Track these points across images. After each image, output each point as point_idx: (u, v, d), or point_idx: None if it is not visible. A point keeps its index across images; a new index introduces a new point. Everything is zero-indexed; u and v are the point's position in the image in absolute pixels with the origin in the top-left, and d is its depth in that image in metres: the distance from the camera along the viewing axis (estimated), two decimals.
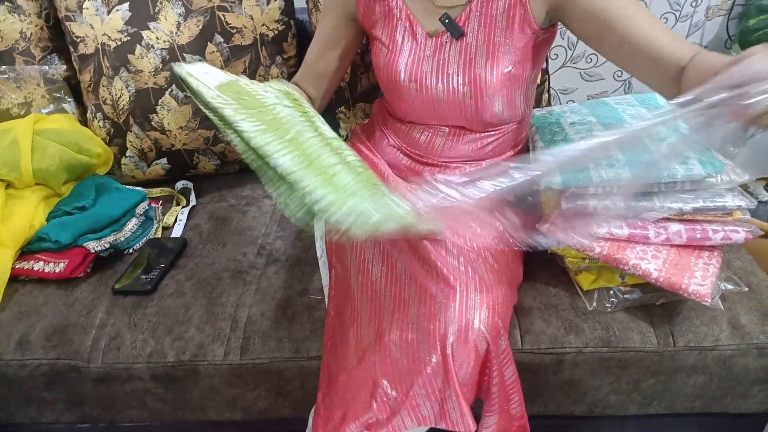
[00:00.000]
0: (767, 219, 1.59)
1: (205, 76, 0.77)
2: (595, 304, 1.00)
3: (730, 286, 0.97)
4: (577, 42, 1.68)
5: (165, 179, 1.47)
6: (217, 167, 1.47)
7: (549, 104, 1.51)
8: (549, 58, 1.69)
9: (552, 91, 1.78)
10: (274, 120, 0.80)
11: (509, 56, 0.96)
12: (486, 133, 1.05)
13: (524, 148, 1.14)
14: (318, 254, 1.10)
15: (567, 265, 1.04)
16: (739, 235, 0.93)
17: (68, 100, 1.41)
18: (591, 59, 1.72)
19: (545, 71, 1.41)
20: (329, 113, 1.43)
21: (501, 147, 1.08)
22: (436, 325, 0.84)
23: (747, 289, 0.98)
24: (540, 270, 1.08)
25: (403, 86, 1.01)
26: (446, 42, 0.98)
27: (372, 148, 1.15)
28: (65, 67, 1.41)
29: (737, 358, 0.96)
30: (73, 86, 1.44)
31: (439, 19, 0.97)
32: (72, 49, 1.36)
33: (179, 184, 1.45)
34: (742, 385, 1.00)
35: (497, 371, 0.87)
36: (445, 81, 0.98)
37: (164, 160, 1.43)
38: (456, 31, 0.97)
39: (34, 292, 1.16)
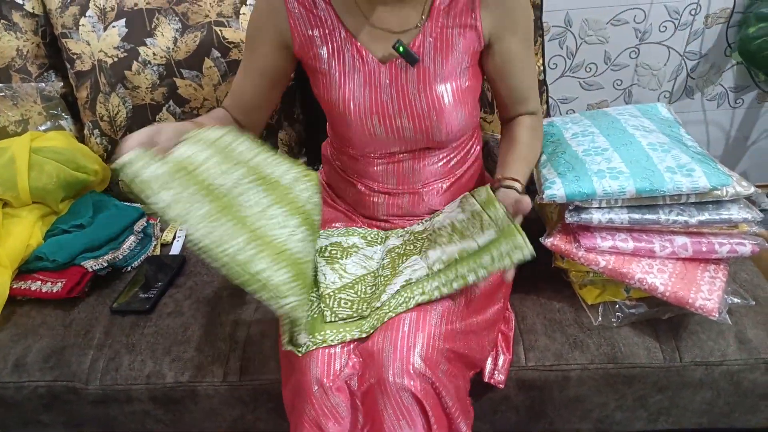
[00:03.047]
0: None
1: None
2: (600, 318, 0.99)
3: (737, 300, 0.95)
4: (576, 51, 1.67)
5: None
6: None
7: (548, 115, 1.50)
8: (548, 68, 1.68)
9: (551, 101, 1.77)
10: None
11: (465, 72, 0.95)
12: (449, 148, 1.02)
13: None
14: None
15: (571, 278, 1.02)
16: (746, 248, 0.92)
17: (65, 116, 1.40)
18: (590, 68, 1.71)
19: (543, 82, 1.40)
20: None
21: (467, 152, 1.06)
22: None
23: (754, 302, 0.97)
24: (544, 285, 1.06)
25: (362, 119, 0.97)
26: (401, 68, 0.95)
27: (336, 200, 1.13)
28: (62, 83, 1.40)
29: (745, 373, 0.95)
30: (69, 103, 1.42)
31: (392, 47, 0.93)
32: (69, 66, 1.35)
33: None
34: (750, 400, 0.98)
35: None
36: (408, 107, 0.95)
37: None
38: (412, 59, 0.93)
39: (32, 313, 1.15)
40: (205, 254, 0.75)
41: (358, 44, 0.95)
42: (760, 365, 0.94)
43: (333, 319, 0.88)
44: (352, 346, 0.88)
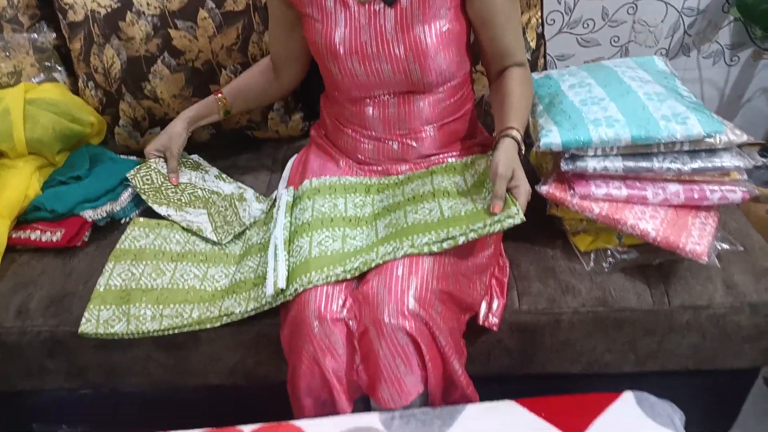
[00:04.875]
0: (761, 183, 1.60)
1: None
2: (592, 264, 1.01)
3: (726, 246, 0.98)
4: (574, 7, 1.66)
5: None
6: (212, 137, 1.45)
7: (545, 69, 1.49)
8: (546, 23, 1.67)
9: (548, 57, 1.76)
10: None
11: (445, 14, 0.96)
12: (436, 93, 1.04)
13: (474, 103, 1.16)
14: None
15: (565, 227, 1.04)
16: (736, 194, 0.94)
17: (59, 69, 1.39)
18: (588, 24, 1.70)
19: (541, 36, 1.40)
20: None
21: (458, 103, 1.08)
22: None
23: (742, 248, 0.99)
24: (538, 233, 1.08)
25: (343, 59, 1.00)
26: (380, 9, 0.97)
27: (330, 147, 1.16)
28: (55, 35, 1.38)
29: (730, 316, 0.98)
30: (63, 55, 1.41)
31: None
32: (61, 17, 1.33)
33: None
34: (734, 343, 1.02)
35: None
36: (386, 48, 0.98)
37: (158, 129, 1.41)
38: None
39: (32, 262, 1.16)
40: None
41: None
42: (745, 308, 0.97)
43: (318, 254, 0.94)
44: (345, 289, 0.90)
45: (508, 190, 0.89)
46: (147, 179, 1.23)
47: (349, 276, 0.90)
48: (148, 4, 1.29)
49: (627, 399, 0.85)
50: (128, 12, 1.30)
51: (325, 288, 0.89)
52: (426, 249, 0.89)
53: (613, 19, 1.69)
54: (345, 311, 0.88)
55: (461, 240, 0.88)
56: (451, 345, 0.86)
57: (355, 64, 1.00)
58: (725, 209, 1.03)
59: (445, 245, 0.88)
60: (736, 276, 0.99)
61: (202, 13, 1.31)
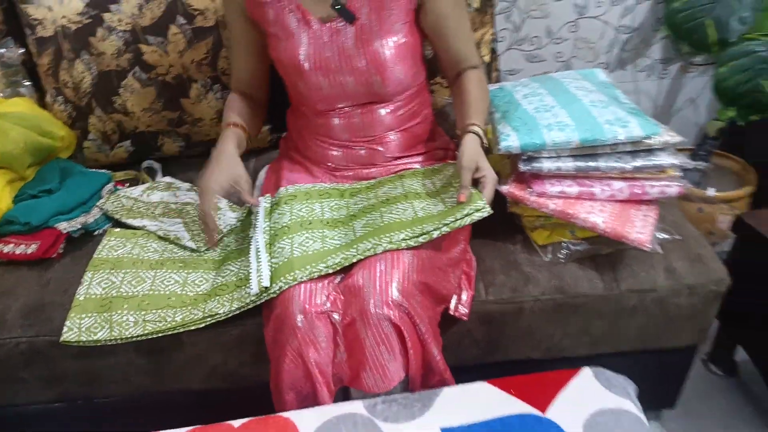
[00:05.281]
0: (693, 183, 1.76)
1: None
2: (549, 256, 1.11)
3: (666, 236, 1.10)
4: (521, 25, 1.79)
5: (128, 162, 1.48)
6: (182, 149, 1.49)
7: (498, 81, 1.61)
8: (496, 40, 1.79)
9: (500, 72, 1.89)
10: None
11: (400, 29, 1.06)
12: (395, 102, 1.13)
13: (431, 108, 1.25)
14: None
15: (524, 223, 1.14)
16: (673, 189, 1.06)
17: (25, 83, 1.40)
18: (533, 42, 1.84)
19: (494, 50, 1.51)
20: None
21: (416, 109, 1.17)
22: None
23: (680, 237, 1.12)
24: (500, 231, 1.17)
25: (309, 74, 1.07)
26: (341, 26, 1.05)
27: (300, 158, 1.22)
28: (23, 50, 1.39)
29: (671, 298, 1.10)
30: (29, 69, 1.42)
31: (331, 6, 1.04)
32: (29, 32, 1.35)
33: (145, 163, 1.47)
34: (676, 323, 1.13)
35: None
36: (348, 62, 1.06)
37: (128, 143, 1.44)
38: (349, 17, 1.04)
39: (5, 275, 1.16)
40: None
41: (302, 5, 1.05)
42: (684, 290, 1.09)
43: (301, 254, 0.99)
44: (329, 285, 0.96)
45: (476, 182, 0.98)
46: (117, 204, 1.27)
47: (331, 271, 0.96)
48: (119, 20, 1.33)
49: (586, 374, 0.94)
50: (99, 28, 1.33)
51: (308, 284, 0.95)
52: (404, 244, 0.96)
53: (556, 36, 1.83)
54: (328, 304, 0.94)
55: (435, 234, 0.96)
56: (430, 333, 0.94)
57: (320, 79, 1.07)
58: (663, 205, 1.15)
59: (421, 239, 0.96)
60: (675, 262, 1.11)
61: (173, 29, 1.35)
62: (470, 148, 0.98)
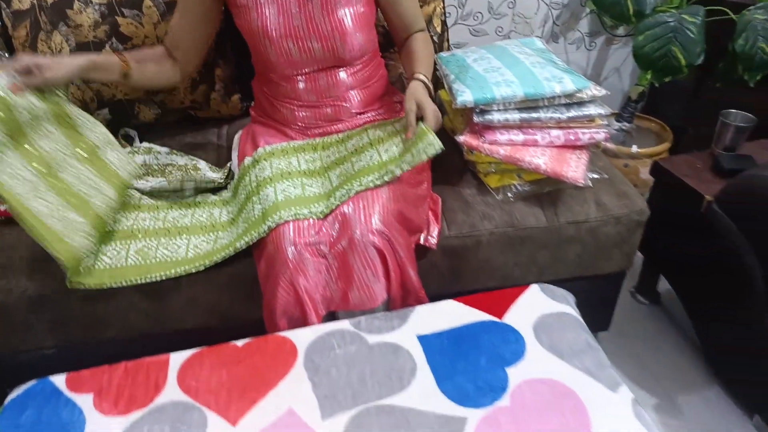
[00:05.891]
0: (618, 143, 2.00)
1: None
2: (501, 197, 1.30)
3: (596, 176, 1.30)
4: (465, 2, 1.97)
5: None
6: (158, 116, 1.57)
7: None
8: (446, 14, 1.96)
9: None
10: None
11: (359, 0, 1.20)
12: (355, 66, 1.28)
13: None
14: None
15: (478, 170, 1.32)
16: (600, 135, 1.26)
17: (5, 55, 1.44)
18: (477, 17, 2.01)
19: (444, 23, 1.67)
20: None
21: (372, 71, 1.32)
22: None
23: (607, 176, 1.32)
24: (458, 178, 1.35)
25: (278, 42, 1.18)
26: None
27: (272, 122, 1.34)
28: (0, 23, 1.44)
29: (601, 228, 1.30)
30: (5, 41, 1.46)
31: None
32: (4, 5, 1.40)
33: (122, 131, 1.55)
34: (606, 250, 1.35)
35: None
36: (316, 30, 1.19)
37: (106, 111, 1.52)
38: None
39: (4, 231, 1.23)
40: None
41: None
42: (611, 220, 1.30)
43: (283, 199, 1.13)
44: (316, 223, 1.10)
45: (421, 120, 1.13)
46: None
47: (314, 218, 1.11)
48: None
49: (534, 289, 1.13)
50: (75, 1, 1.40)
51: (297, 222, 1.09)
52: (371, 185, 1.12)
53: (497, 12, 2.01)
54: (316, 237, 1.08)
55: (397, 172, 1.12)
56: (407, 257, 1.10)
57: (289, 44, 1.20)
58: (594, 155, 1.35)
59: (386, 178, 1.12)
60: (604, 197, 1.32)
61: (147, 2, 1.44)
62: (411, 92, 1.16)
